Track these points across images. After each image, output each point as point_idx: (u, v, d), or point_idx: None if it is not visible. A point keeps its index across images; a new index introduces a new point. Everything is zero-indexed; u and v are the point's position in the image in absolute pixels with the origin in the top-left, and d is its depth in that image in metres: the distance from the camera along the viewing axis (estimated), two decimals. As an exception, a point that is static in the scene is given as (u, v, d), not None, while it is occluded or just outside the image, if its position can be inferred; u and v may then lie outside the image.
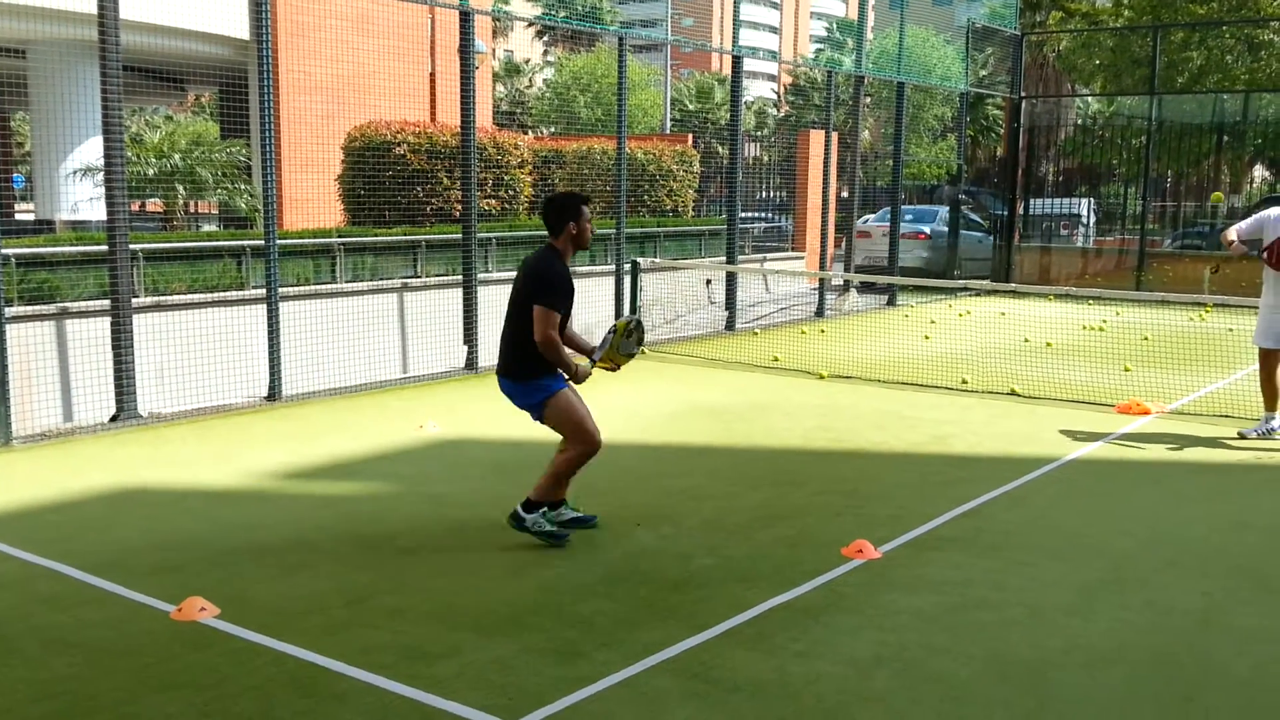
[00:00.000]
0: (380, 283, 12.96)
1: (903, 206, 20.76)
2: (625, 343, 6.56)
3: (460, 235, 12.54)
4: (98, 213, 13.82)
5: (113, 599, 5.49)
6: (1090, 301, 19.57)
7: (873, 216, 24.23)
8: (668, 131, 34.69)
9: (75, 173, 15.71)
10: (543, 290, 6.11)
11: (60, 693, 4.47)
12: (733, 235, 16.12)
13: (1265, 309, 9.18)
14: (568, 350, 6.31)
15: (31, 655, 4.84)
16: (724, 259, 16.65)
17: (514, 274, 14.18)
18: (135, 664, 4.75)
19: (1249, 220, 9.31)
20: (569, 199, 6.35)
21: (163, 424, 9.50)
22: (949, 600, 5.59)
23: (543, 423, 6.35)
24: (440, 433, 9.27)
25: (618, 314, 14.34)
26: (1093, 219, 26.35)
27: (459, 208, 13.12)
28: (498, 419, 9.97)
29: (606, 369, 6.60)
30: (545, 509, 6.39)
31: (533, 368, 6.22)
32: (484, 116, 21.23)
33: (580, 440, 6.31)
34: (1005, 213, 23.71)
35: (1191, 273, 21.41)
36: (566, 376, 6.27)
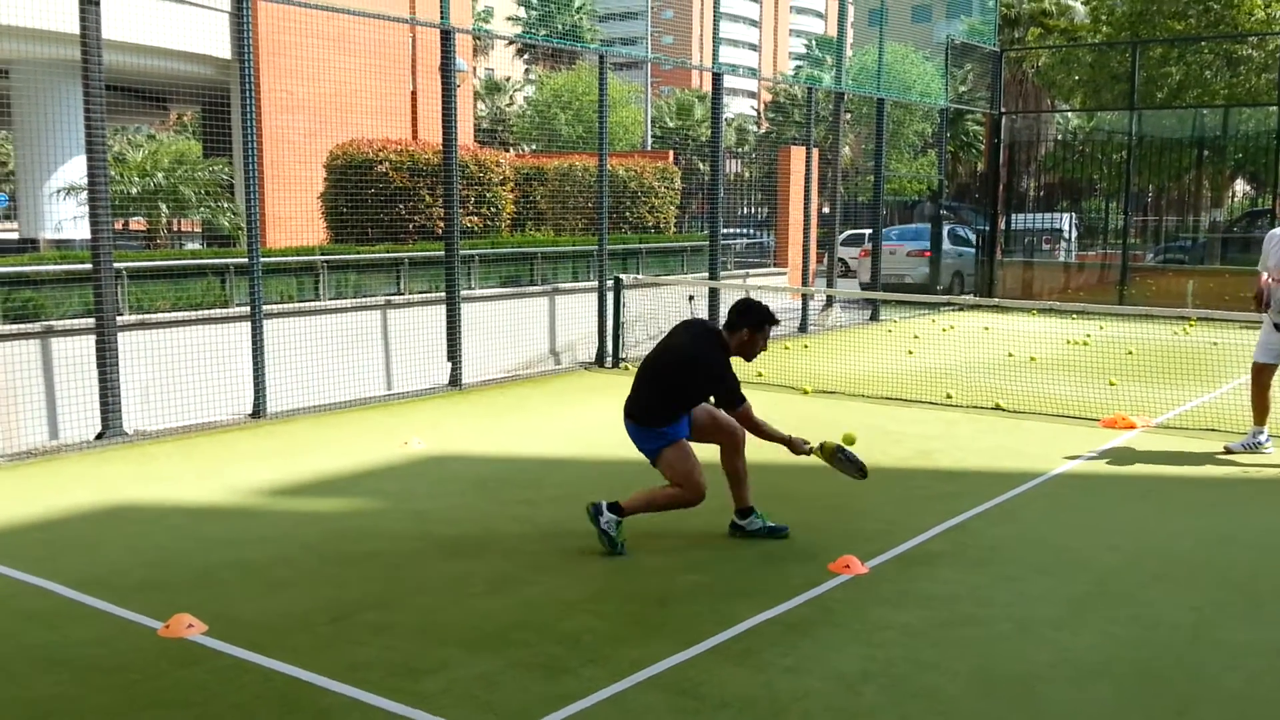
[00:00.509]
0: (364, 300, 12.95)
1: (899, 226, 21.03)
2: (838, 459, 6.89)
3: (443, 252, 12.54)
4: (81, 231, 13.77)
5: (100, 616, 5.46)
6: (1074, 316, 19.68)
7: (894, 233, 24.78)
8: (649, 148, 34.80)
9: (59, 191, 15.66)
10: (727, 394, 6.51)
11: (49, 711, 4.44)
12: (715, 251, 16.17)
13: (1267, 327, 9.23)
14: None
15: (19, 673, 4.81)
16: (707, 275, 16.69)
17: (497, 290, 14.12)
18: (123, 681, 4.73)
19: (1267, 250, 9.26)
20: (761, 310, 6.56)
21: (148, 441, 9.46)
22: (936, 615, 5.60)
23: (655, 466, 6.61)
24: (424, 449, 9.26)
25: (600, 331, 14.33)
26: (1074, 234, 26.52)
27: (441, 225, 13.13)
28: (481, 435, 9.97)
29: (814, 453, 6.91)
30: (619, 520, 6.53)
31: (655, 417, 6.55)
32: (466, 134, 21.27)
33: (684, 488, 6.52)
34: (987, 228, 23.84)
35: (1174, 287, 21.55)
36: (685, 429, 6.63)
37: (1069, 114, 33.75)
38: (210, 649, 5.06)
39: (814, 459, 6.95)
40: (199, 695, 4.59)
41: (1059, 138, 30.81)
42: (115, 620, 5.42)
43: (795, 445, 6.71)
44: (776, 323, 6.66)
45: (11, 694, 4.61)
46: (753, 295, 6.91)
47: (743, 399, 6.51)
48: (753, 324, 6.50)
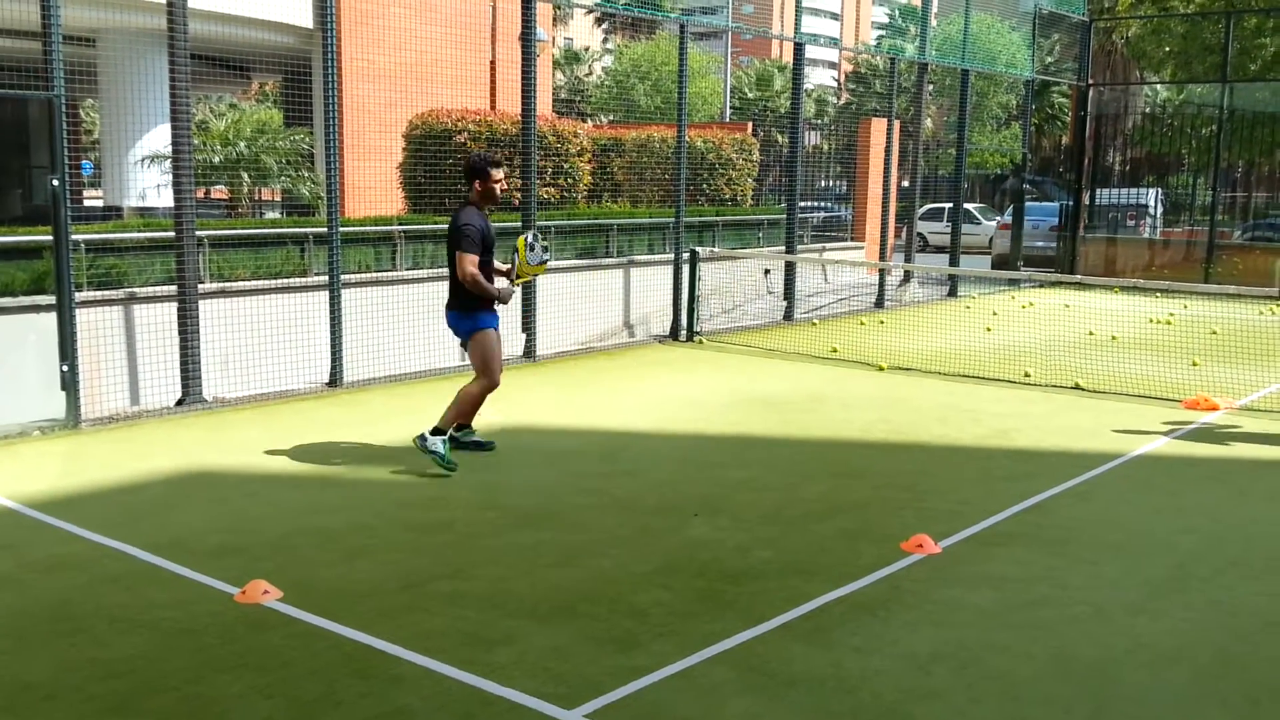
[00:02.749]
0: (440, 270, 13.03)
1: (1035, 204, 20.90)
2: (531, 255, 7.76)
3: (520, 224, 12.57)
4: (165, 199, 14.05)
5: (178, 580, 5.58)
6: (1157, 294, 19.23)
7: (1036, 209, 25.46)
8: (727, 120, 34.56)
9: (143, 160, 15.95)
10: (458, 238, 7.45)
11: (127, 672, 4.55)
12: (792, 225, 16.02)
13: None
14: (491, 284, 7.63)
15: (100, 634, 4.94)
16: (783, 248, 16.56)
17: (573, 261, 14.21)
18: (200, 644, 4.83)
19: None
20: (477, 161, 7.65)
21: (226, 409, 9.64)
22: (1010, 597, 5.52)
23: (464, 349, 7.81)
24: (498, 420, 9.31)
25: (675, 304, 14.29)
26: (1160, 210, 25.86)
27: (518, 196, 13.16)
28: (554, 407, 10.01)
29: (527, 281, 8.06)
30: (445, 437, 7.55)
31: (467, 302, 7.60)
32: (544, 104, 21.27)
33: (486, 374, 7.72)
34: (1071, 203, 23.36)
35: (1262, 265, 20.94)
36: (500, 308, 7.72)
37: (1158, 86, 32.83)
38: (285, 615, 5.15)
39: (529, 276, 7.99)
40: (274, 661, 4.67)
41: (1147, 111, 30.00)
42: (193, 585, 5.53)
43: (503, 294, 7.67)
44: (499, 164, 7.62)
45: (91, 655, 4.73)
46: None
47: (466, 249, 7.41)
48: (480, 175, 7.55)
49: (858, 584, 5.65)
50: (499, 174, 7.61)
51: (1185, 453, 8.62)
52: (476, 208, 7.63)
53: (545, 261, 7.91)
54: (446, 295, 7.78)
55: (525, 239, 7.82)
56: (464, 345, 7.82)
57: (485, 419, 9.30)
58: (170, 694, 4.36)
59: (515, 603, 5.34)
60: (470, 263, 7.43)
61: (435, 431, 7.56)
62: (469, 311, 7.65)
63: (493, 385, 7.79)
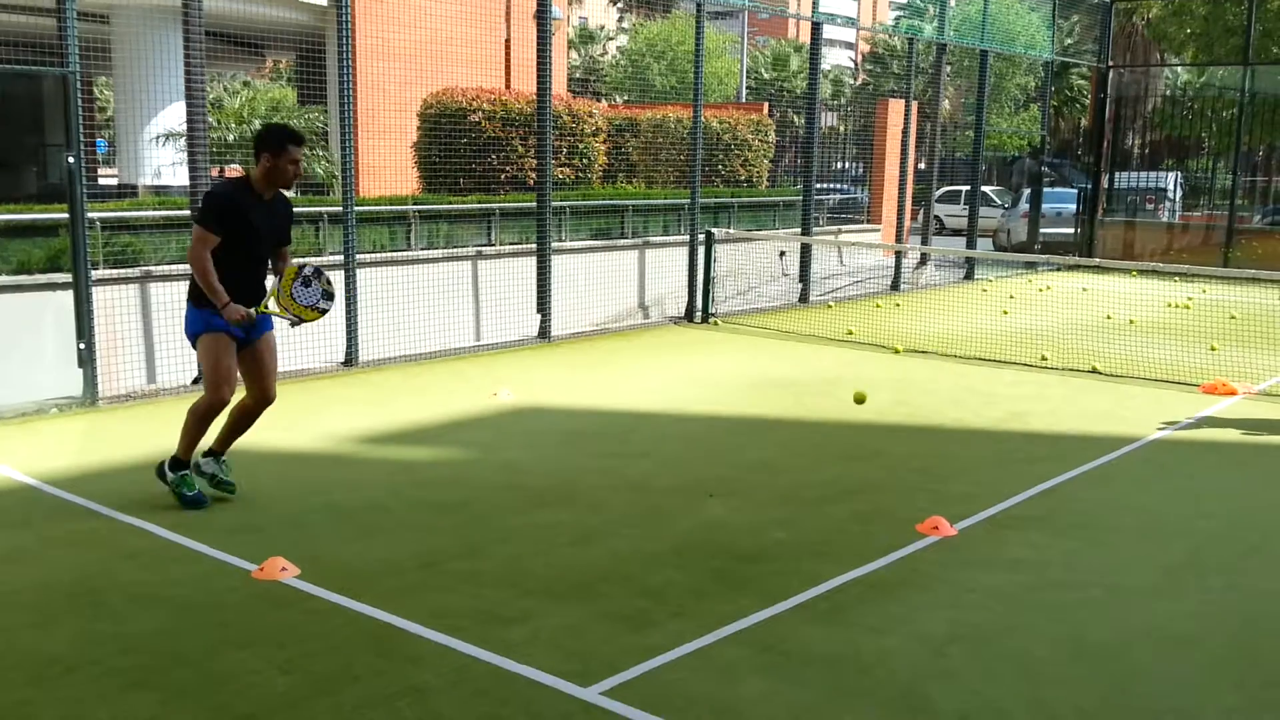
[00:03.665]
0: (455, 250, 13.03)
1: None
2: (304, 291, 6.18)
3: (535, 204, 12.56)
4: (179, 178, 14.06)
5: (196, 557, 5.61)
6: (1176, 278, 19.12)
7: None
8: (743, 100, 34.42)
9: (157, 138, 15.97)
10: (202, 210, 6.07)
11: (147, 646, 4.58)
12: (808, 206, 15.97)
13: None
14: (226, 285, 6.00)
15: (119, 610, 4.96)
16: (799, 230, 16.50)
17: (588, 242, 14.13)
18: (219, 620, 4.86)
19: None
20: (278, 131, 6.12)
21: (242, 387, 9.65)
22: (1026, 579, 5.51)
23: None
24: (513, 400, 9.32)
25: (691, 285, 14.27)
26: (1179, 194, 25.70)
27: (533, 176, 13.14)
28: (569, 388, 10.01)
29: (282, 316, 6.16)
30: (187, 472, 6.29)
31: (200, 294, 6.04)
32: (558, 84, 21.21)
33: (209, 390, 6.15)
34: (1089, 186, 23.23)
35: (1281, 249, 20.81)
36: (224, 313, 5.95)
37: (1179, 69, 32.58)
38: (302, 591, 5.17)
39: None
40: (291, 636, 4.69)
41: (1167, 93, 29.78)
42: (211, 561, 5.56)
43: (230, 309, 5.93)
44: (301, 141, 6.11)
45: (111, 630, 4.76)
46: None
47: (201, 220, 5.98)
48: (271, 148, 6.00)
49: (873, 565, 5.64)
50: (297, 153, 6.05)
51: (1203, 437, 8.58)
52: (248, 184, 6.11)
53: (323, 310, 6.26)
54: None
55: (300, 268, 6.20)
56: (194, 348, 6.31)
57: (499, 400, 9.32)
58: (190, 668, 4.38)
59: (532, 581, 5.35)
60: (204, 243, 5.90)
61: (175, 464, 6.29)
62: (197, 303, 6.10)
63: (217, 403, 6.14)
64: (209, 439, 6.47)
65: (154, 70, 16.63)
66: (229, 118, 16.47)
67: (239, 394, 6.41)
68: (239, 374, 6.32)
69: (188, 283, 6.19)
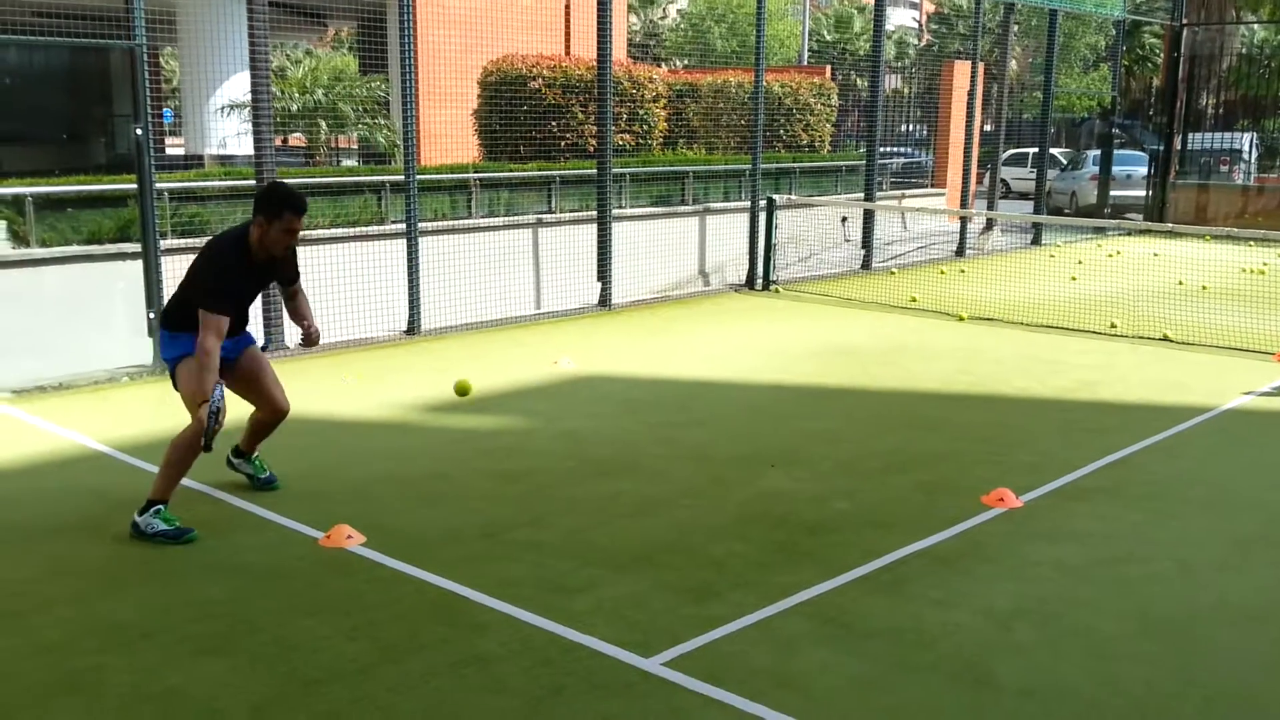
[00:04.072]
0: (515, 218, 13.06)
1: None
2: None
3: (595, 171, 12.53)
4: (244, 147, 14.19)
5: (265, 525, 5.70)
6: (1250, 243, 18.66)
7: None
8: (804, 63, 34.02)
9: (222, 108, 16.13)
10: (203, 294, 5.35)
11: (219, 614, 4.67)
12: (871, 171, 15.78)
13: None
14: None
15: (190, 577, 5.06)
16: (861, 196, 16.32)
17: (648, 209, 14.00)
18: (287, 588, 4.94)
19: None
20: (277, 195, 5.56)
21: (306, 356, 9.78)
22: (1093, 553, 5.43)
23: (172, 380, 5.68)
24: (574, 369, 9.34)
25: (751, 252, 14.17)
26: (1254, 155, 25.04)
27: (594, 143, 13.10)
28: (630, 356, 10.01)
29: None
30: (160, 507, 5.47)
31: (180, 321, 5.53)
32: (618, 49, 21.10)
33: (193, 420, 5.46)
34: (1161, 148, 22.70)
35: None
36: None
37: (1255, 26, 31.67)
38: (368, 560, 5.24)
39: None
40: (358, 604, 4.76)
41: (1243, 51, 28.96)
42: (278, 529, 5.64)
43: (201, 414, 5.30)
44: (301, 210, 5.50)
45: (183, 596, 4.85)
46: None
47: (212, 307, 5.32)
48: (268, 212, 5.41)
49: (937, 537, 5.59)
50: (296, 222, 5.47)
51: (1277, 408, 8.39)
52: (247, 247, 5.51)
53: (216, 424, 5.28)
54: (171, 296, 5.82)
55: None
56: (171, 374, 5.72)
57: (560, 368, 9.34)
58: (260, 635, 4.46)
59: (594, 552, 5.37)
60: (216, 331, 5.32)
61: (148, 507, 5.47)
62: (174, 329, 5.59)
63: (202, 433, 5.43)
64: (234, 437, 6.15)
65: (219, 41, 16.77)
66: (292, 87, 16.57)
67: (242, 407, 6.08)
68: (239, 395, 5.92)
69: (169, 309, 5.73)
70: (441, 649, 4.35)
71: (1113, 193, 24.12)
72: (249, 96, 9.76)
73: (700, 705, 3.95)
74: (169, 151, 19.81)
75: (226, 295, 5.44)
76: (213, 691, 4.03)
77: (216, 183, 11.09)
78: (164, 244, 9.31)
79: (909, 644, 4.45)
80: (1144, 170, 24.47)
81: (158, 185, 9.18)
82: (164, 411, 7.86)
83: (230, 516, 5.82)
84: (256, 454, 6.29)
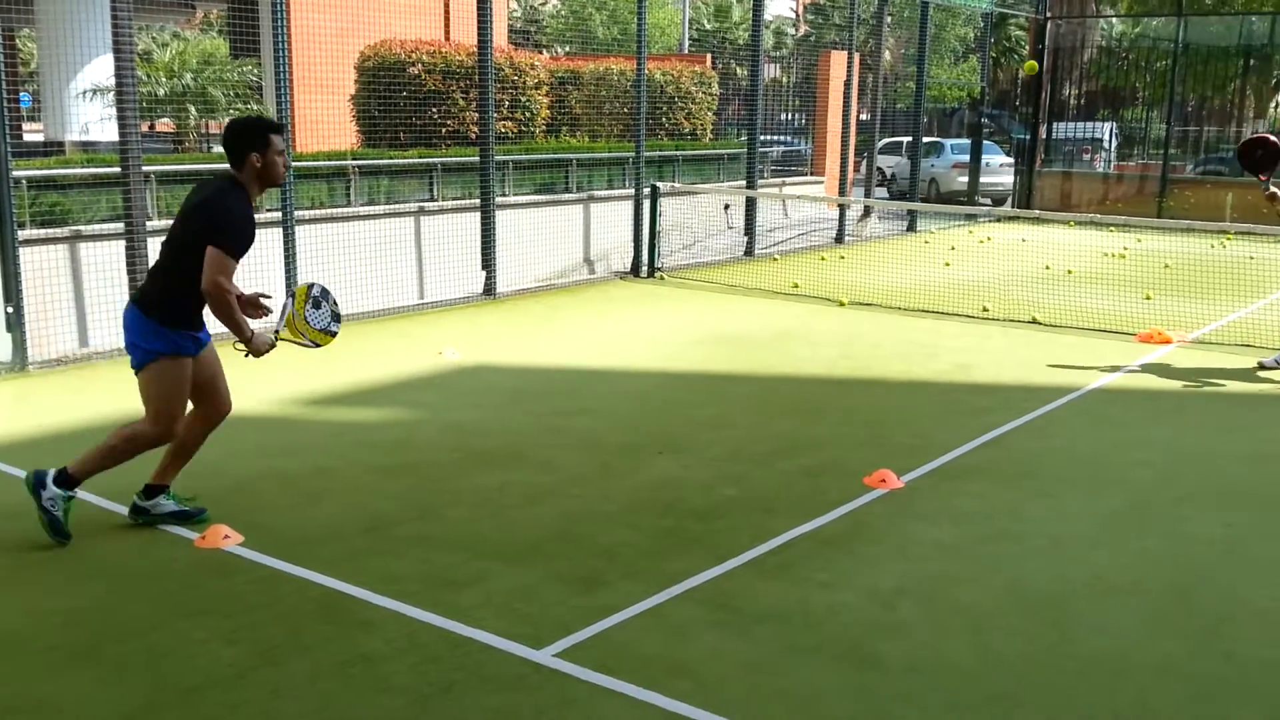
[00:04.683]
0: (396, 206, 12.84)
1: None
2: (315, 314, 5.50)
3: (477, 158, 12.40)
4: (108, 134, 13.68)
5: (136, 526, 5.49)
6: (1112, 228, 19.36)
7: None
8: (685, 51, 34.17)
9: (84, 92, 15.52)
10: (220, 230, 5.05)
11: (89, 621, 4.48)
12: (753, 159, 15.92)
13: None
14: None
15: (58, 583, 4.86)
16: (743, 183, 16.46)
17: (532, 197, 13.89)
18: (162, 591, 4.77)
19: None
20: (253, 124, 5.34)
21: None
22: (972, 531, 5.57)
23: (136, 375, 5.27)
24: (459, 359, 9.23)
25: (636, 240, 14.21)
26: (1114, 144, 26.00)
27: (475, 130, 12.96)
28: (516, 346, 9.94)
29: (299, 343, 5.53)
30: (74, 495, 5.24)
31: (174, 313, 5.19)
32: (499, 35, 20.90)
33: (158, 423, 5.23)
34: (1027, 137, 23.40)
35: (1214, 199, 21.14)
36: (242, 348, 5.34)
37: (1114, 20, 32.81)
38: (247, 560, 5.10)
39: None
40: (237, 606, 4.62)
41: (1103, 44, 30.01)
42: (150, 531, 5.44)
43: (259, 344, 5.32)
44: (280, 128, 5.36)
45: (50, 605, 4.65)
46: None
47: (229, 247, 5.08)
48: (258, 145, 5.17)
49: (823, 519, 5.67)
50: (280, 142, 5.26)
51: (1140, 386, 8.71)
52: (245, 192, 5.24)
53: (334, 333, 5.60)
54: (144, 283, 5.40)
55: (310, 289, 5.52)
56: (135, 368, 5.27)
57: (445, 359, 9.22)
58: (134, 641, 4.30)
59: (482, 544, 5.31)
60: (226, 271, 5.05)
61: (62, 479, 5.18)
62: (165, 323, 5.19)
63: (164, 438, 5.31)
64: (139, 474, 5.51)
65: (80, 22, 16.11)
66: (159, 71, 16.00)
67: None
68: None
69: (148, 282, 5.33)
70: (325, 649, 4.25)
71: (959, 178, 24.91)
72: (113, 80, 9.39)
73: (592, 695, 3.94)
74: (27, 138, 19.00)
75: (244, 239, 5.16)
76: (82, 702, 3.87)
77: (78, 170, 10.65)
78: (22, 234, 8.92)
79: (797, 626, 4.50)
80: (1000, 159, 25.24)
81: (15, 173, 8.79)
82: (22, 411, 7.56)
83: (99, 518, 5.60)
84: (168, 486, 5.54)
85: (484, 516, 5.69)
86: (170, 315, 5.19)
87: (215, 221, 5.08)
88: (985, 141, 27.94)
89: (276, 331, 5.41)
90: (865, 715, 3.84)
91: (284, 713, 3.81)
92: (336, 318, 5.61)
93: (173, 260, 5.19)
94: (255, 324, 5.45)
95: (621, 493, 6.08)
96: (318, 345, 5.56)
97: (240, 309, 5.28)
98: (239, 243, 5.11)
